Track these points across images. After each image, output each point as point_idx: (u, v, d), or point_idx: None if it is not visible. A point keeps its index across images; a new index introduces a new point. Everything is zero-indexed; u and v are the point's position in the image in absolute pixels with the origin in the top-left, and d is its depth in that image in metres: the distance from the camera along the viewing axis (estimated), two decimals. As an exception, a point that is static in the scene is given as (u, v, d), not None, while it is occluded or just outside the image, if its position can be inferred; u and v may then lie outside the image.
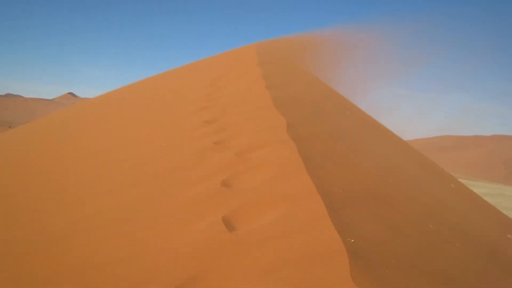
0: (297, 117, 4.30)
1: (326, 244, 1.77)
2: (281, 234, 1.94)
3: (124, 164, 4.03)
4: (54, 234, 2.69)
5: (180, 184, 2.95)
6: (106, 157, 4.60)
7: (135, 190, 3.11)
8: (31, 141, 8.15)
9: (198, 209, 2.43)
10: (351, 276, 1.52)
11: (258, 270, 1.70)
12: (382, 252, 1.94)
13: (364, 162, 3.98)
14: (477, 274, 2.62)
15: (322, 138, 3.89)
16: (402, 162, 5.89)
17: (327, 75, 14.39)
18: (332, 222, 1.93)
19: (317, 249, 1.75)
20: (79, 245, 2.43)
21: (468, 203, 6.00)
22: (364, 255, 1.76)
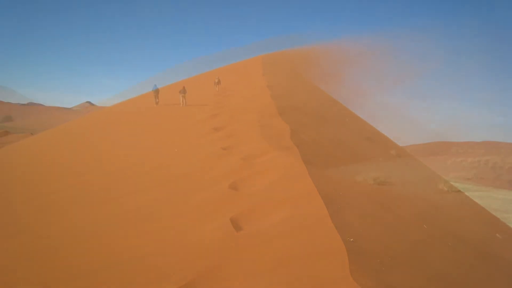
0: (300, 124, 4.31)
1: (327, 243, 1.78)
2: (285, 234, 1.95)
3: (140, 169, 4.06)
4: (84, 230, 2.73)
5: (191, 188, 2.97)
6: (123, 162, 4.62)
7: (150, 193, 3.13)
8: (53, 146, 8.20)
9: (208, 211, 2.45)
10: (350, 273, 1.53)
11: (263, 267, 1.71)
12: (379, 250, 1.95)
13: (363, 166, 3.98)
14: (468, 270, 2.61)
15: (324, 144, 3.91)
16: (398, 166, 5.87)
17: (328, 85, 14.38)
18: (333, 223, 1.94)
19: (319, 247, 1.76)
20: (101, 244, 2.46)
21: (459, 204, 5.96)
22: (363, 253, 1.77)
